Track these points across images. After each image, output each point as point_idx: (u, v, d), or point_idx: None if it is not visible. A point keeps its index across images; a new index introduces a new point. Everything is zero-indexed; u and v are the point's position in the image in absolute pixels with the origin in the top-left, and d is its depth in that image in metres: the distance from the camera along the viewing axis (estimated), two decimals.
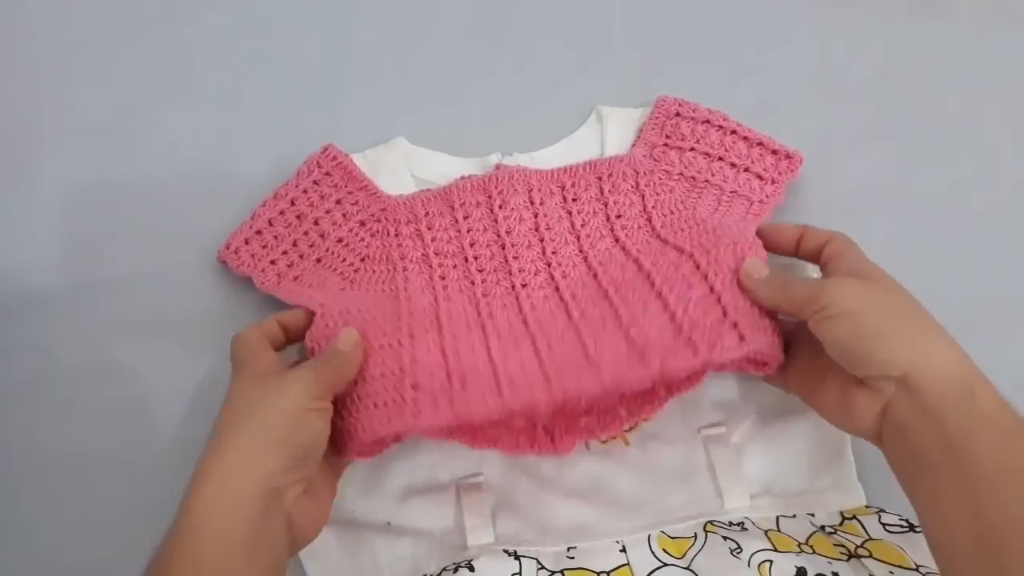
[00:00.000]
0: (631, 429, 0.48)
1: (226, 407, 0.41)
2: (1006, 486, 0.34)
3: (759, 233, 0.48)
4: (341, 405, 0.44)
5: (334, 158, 0.53)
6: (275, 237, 0.51)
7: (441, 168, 0.55)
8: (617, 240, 0.51)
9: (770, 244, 0.47)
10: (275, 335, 0.46)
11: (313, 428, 0.41)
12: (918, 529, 0.44)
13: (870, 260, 0.43)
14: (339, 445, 0.43)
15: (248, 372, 0.42)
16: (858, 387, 0.40)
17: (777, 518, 0.46)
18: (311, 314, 0.47)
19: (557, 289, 0.49)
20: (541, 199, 0.52)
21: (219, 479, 0.37)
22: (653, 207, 0.51)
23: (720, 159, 0.53)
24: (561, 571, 0.44)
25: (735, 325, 0.43)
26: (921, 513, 0.38)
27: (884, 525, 0.44)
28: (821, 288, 0.41)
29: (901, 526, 0.44)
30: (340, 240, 0.51)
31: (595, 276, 0.49)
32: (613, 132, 0.56)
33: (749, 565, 0.42)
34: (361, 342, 0.45)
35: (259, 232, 0.52)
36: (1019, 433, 0.36)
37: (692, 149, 0.53)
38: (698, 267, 0.45)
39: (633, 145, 0.54)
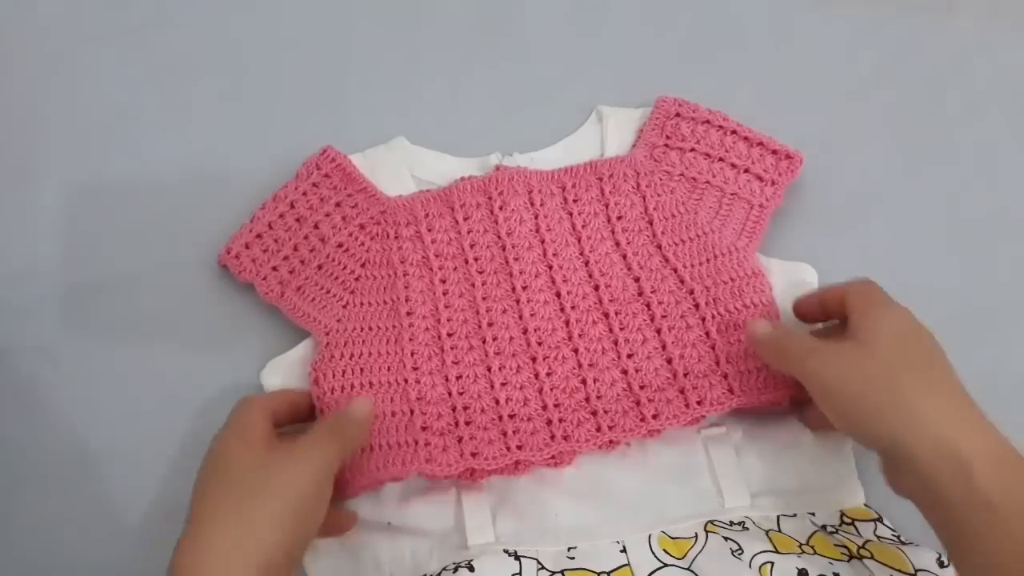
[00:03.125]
0: None
1: (221, 475, 0.40)
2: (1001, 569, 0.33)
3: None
4: None
5: (333, 160, 0.53)
6: (275, 241, 0.51)
7: (441, 168, 0.55)
8: (618, 244, 0.51)
9: (800, 316, 0.47)
10: (280, 411, 0.45)
11: (323, 507, 0.40)
12: (905, 541, 0.44)
13: (883, 304, 0.42)
14: (344, 480, 0.45)
15: (243, 440, 0.41)
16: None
17: (778, 517, 0.46)
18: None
19: (558, 295, 0.50)
20: (541, 200, 0.52)
21: (220, 547, 0.36)
22: (654, 209, 0.52)
23: (720, 159, 0.53)
24: (561, 571, 0.43)
25: (725, 376, 0.46)
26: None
27: (879, 538, 0.44)
28: (804, 360, 0.41)
29: (892, 539, 0.44)
30: (340, 245, 0.51)
31: (596, 288, 0.50)
32: (613, 132, 0.56)
33: (750, 566, 0.42)
34: (373, 412, 0.45)
35: (259, 236, 0.52)
36: (1018, 515, 0.34)
37: (692, 150, 0.53)
38: (696, 307, 0.48)
39: (633, 145, 0.54)
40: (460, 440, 0.46)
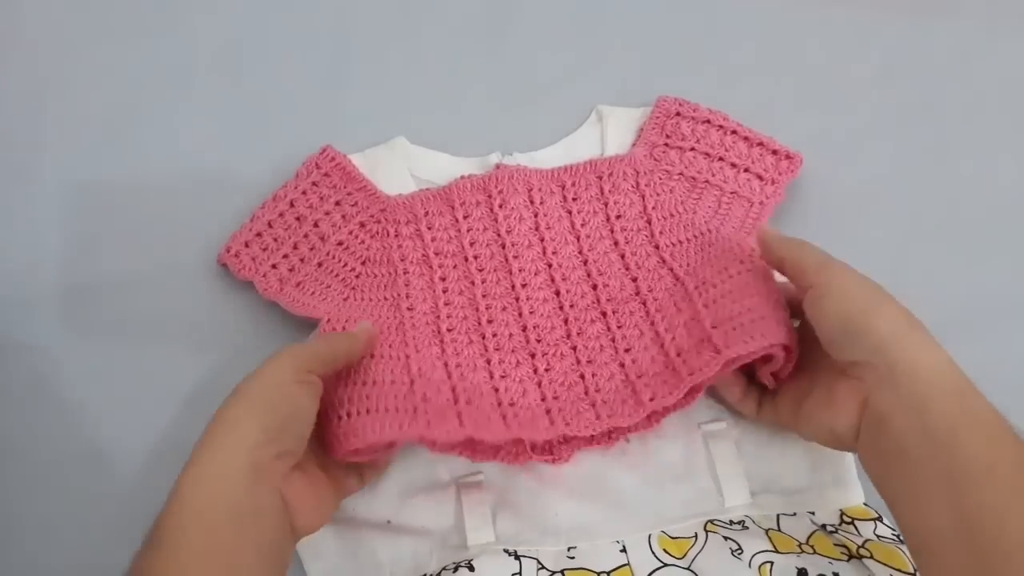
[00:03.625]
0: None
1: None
2: (990, 485, 0.34)
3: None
4: (346, 402, 0.43)
5: (332, 159, 0.53)
6: (275, 240, 0.51)
7: (441, 168, 0.55)
8: (616, 243, 0.51)
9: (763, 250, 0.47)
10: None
11: (294, 400, 0.40)
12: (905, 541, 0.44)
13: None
14: (338, 442, 0.43)
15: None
16: (839, 379, 0.40)
17: (778, 516, 0.46)
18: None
19: (557, 293, 0.50)
20: (541, 198, 0.52)
21: (205, 457, 0.37)
22: (653, 208, 0.52)
23: (720, 159, 0.53)
24: (561, 571, 0.43)
25: (710, 339, 0.45)
26: (898, 507, 0.37)
27: (879, 537, 0.44)
28: (829, 261, 0.42)
29: (892, 539, 0.44)
30: (340, 243, 0.51)
31: (595, 287, 0.50)
32: (613, 132, 0.56)
33: (750, 566, 0.42)
34: (375, 335, 0.46)
35: (259, 235, 0.52)
36: (1005, 433, 0.35)
37: (692, 149, 0.53)
38: (687, 293, 0.48)
39: (633, 145, 0.55)
40: (459, 415, 0.44)
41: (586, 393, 0.47)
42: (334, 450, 0.43)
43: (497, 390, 0.47)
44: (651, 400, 0.45)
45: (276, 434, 0.38)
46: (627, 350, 0.48)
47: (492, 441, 0.45)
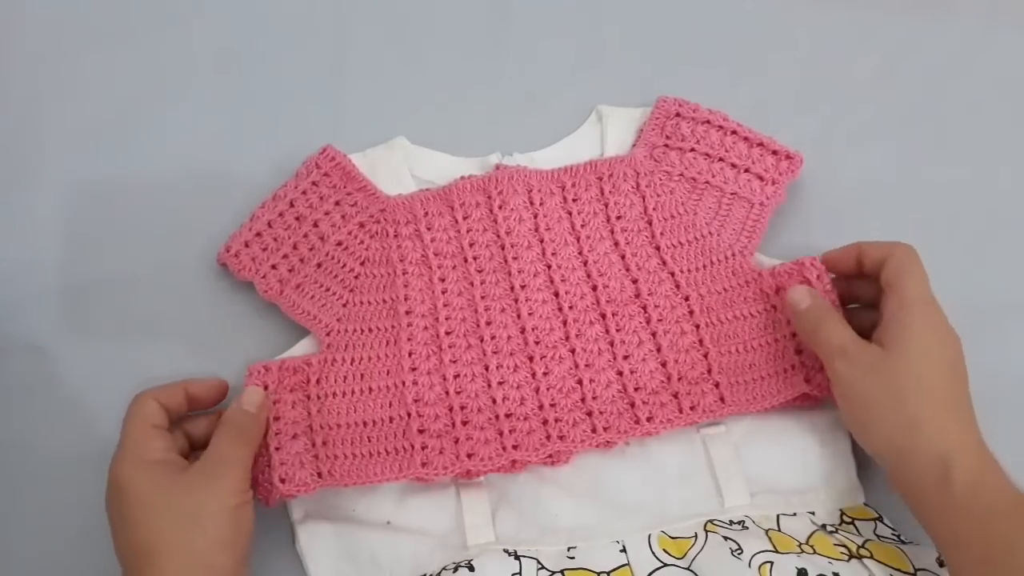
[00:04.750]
0: None
1: (142, 514, 0.40)
2: None
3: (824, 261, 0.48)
4: (339, 443, 0.46)
5: (332, 159, 0.53)
6: (275, 240, 0.51)
7: (441, 168, 0.55)
8: (616, 244, 0.51)
9: (832, 269, 0.48)
10: (176, 405, 0.45)
11: (251, 520, 0.42)
12: (906, 541, 0.44)
13: (919, 290, 0.43)
14: (325, 479, 0.45)
15: (144, 468, 0.41)
16: None
17: (778, 516, 0.46)
18: (223, 390, 0.48)
19: (556, 294, 0.50)
20: (541, 199, 0.52)
21: None
22: (654, 209, 0.52)
23: (720, 160, 0.53)
24: (561, 571, 0.43)
25: (717, 385, 0.47)
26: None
27: (879, 537, 0.44)
28: (832, 359, 0.43)
29: (892, 538, 0.44)
30: (340, 243, 0.51)
31: (594, 288, 0.50)
32: (613, 132, 0.56)
33: (750, 566, 0.42)
34: (266, 401, 0.46)
35: (259, 234, 0.52)
36: (993, 517, 0.37)
37: (692, 150, 0.53)
38: (691, 313, 0.49)
39: (633, 145, 0.55)
40: (457, 441, 0.46)
41: (583, 400, 0.47)
42: (304, 486, 0.45)
43: (495, 400, 0.47)
44: (648, 420, 0.46)
45: (242, 550, 0.41)
46: (626, 357, 0.48)
47: (488, 471, 0.46)
